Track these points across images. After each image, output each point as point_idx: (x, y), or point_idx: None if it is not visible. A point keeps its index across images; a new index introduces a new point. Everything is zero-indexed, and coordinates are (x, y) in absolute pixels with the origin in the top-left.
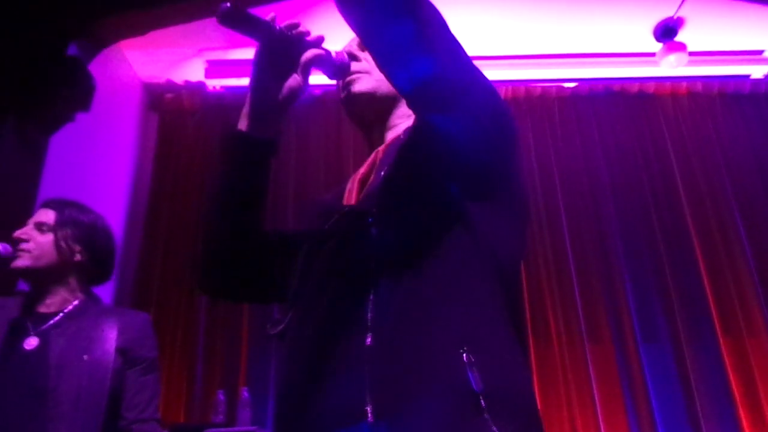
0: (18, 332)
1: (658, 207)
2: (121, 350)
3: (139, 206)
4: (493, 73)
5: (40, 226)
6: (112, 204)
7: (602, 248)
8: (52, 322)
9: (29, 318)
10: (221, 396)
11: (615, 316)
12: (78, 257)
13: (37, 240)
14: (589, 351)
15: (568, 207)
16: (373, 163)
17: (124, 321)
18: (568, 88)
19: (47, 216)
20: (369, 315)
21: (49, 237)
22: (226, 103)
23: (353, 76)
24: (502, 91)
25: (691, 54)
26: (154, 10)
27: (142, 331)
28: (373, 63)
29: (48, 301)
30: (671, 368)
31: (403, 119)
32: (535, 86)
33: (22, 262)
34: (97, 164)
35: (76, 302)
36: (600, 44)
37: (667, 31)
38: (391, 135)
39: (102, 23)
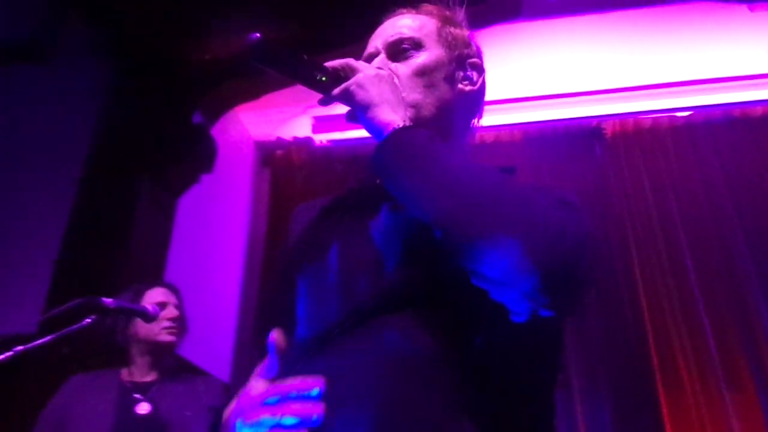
0: (127, 400)
1: None
2: (210, 407)
3: (255, 257)
4: (597, 108)
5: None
6: (231, 257)
7: (738, 288)
8: (155, 387)
9: (132, 387)
10: None
11: (757, 363)
12: None
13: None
14: (730, 401)
15: (692, 245)
16: None
17: (207, 383)
18: (682, 117)
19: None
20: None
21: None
22: (333, 156)
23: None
24: (609, 126)
25: None
26: (266, 76)
27: (222, 393)
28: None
29: (147, 369)
30: None
31: None
32: (645, 118)
33: (173, 338)
34: (218, 221)
35: (166, 367)
36: (714, 69)
37: None
38: None
39: (222, 91)
